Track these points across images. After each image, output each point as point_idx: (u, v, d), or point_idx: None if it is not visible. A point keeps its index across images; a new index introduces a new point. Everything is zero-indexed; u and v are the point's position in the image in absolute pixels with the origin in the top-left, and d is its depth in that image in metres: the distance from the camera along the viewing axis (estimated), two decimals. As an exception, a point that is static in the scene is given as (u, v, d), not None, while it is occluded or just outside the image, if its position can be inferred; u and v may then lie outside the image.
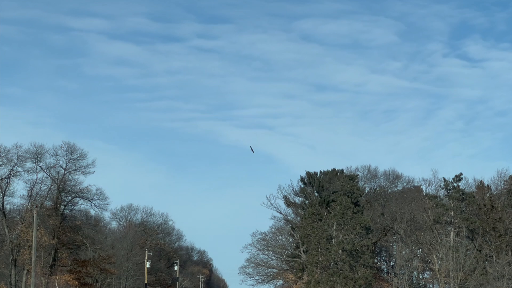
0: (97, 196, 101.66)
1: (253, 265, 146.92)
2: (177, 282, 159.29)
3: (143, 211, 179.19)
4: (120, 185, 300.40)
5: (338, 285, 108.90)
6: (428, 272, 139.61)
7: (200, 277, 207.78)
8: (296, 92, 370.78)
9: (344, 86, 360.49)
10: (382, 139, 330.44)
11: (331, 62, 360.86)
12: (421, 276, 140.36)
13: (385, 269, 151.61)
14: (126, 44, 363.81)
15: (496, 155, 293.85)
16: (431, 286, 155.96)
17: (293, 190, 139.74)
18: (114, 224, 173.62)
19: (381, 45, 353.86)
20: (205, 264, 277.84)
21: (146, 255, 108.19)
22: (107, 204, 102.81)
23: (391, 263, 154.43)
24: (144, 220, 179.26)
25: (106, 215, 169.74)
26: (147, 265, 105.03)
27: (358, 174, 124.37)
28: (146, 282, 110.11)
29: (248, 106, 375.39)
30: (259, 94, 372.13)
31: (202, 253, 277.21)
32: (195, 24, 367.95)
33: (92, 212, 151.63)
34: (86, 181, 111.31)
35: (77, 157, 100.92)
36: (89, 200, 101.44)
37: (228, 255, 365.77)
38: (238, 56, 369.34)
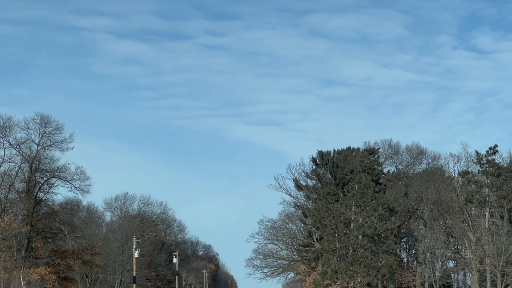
0: (77, 176, 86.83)
1: (261, 256, 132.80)
2: (177, 276, 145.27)
3: (140, 200, 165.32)
4: (129, 183, 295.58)
5: (359, 275, 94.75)
6: (453, 262, 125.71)
7: (205, 271, 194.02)
8: (304, 88, 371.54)
9: (353, 81, 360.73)
10: (392, 133, 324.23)
11: (339, 56, 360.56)
12: (445, 265, 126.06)
13: (405, 258, 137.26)
14: (134, 43, 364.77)
15: (505, 148, 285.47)
16: (456, 277, 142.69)
17: (304, 172, 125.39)
18: (108, 215, 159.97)
19: (389, 39, 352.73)
20: (210, 259, 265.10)
21: (135, 243, 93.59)
22: (89, 185, 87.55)
23: (413, 251, 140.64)
24: (142, 210, 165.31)
25: (100, 205, 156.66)
26: (136, 254, 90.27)
27: (379, 148, 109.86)
28: (134, 274, 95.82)
29: (256, 103, 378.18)
30: (267, 90, 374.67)
31: (207, 248, 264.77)
32: (202, 21, 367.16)
33: (84, 202, 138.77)
34: (64, 158, 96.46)
35: (52, 130, 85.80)
36: (68, 181, 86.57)
37: (237, 253, 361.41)
38: (246, 52, 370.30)
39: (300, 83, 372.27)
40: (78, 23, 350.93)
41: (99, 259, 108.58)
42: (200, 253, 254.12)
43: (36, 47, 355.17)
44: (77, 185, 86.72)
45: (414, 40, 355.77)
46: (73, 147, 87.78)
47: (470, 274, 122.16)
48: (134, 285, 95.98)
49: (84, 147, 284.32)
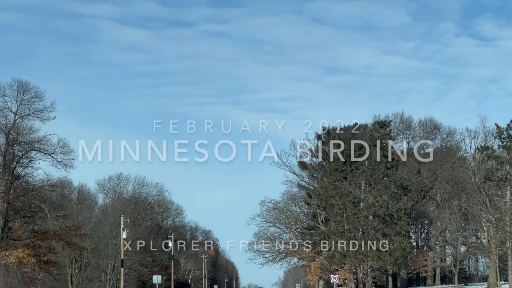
0: (60, 149, 78.37)
1: (263, 240, 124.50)
2: (172, 261, 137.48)
3: (135, 181, 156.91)
4: (129, 171, 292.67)
5: (369, 258, 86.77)
6: (465, 247, 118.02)
7: (203, 257, 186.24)
8: (307, 75, 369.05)
9: (356, 68, 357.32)
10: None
11: (342, 44, 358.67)
12: (460, 250, 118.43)
13: (415, 242, 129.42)
14: (137, 30, 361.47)
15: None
16: (469, 262, 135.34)
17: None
18: (100, 197, 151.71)
19: (393, 26, 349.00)
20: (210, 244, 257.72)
21: (122, 223, 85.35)
22: (73, 159, 78.80)
23: (423, 234, 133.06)
24: (136, 192, 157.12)
25: (92, 187, 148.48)
26: (124, 235, 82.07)
27: (391, 121, 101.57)
28: (122, 257, 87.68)
29: (259, 90, 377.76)
30: (270, 77, 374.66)
31: (207, 233, 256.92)
32: (205, 8, 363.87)
33: (75, 183, 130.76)
34: (44, 129, 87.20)
35: (31, 98, 77.21)
36: (49, 154, 78.34)
37: (238, 240, 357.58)
38: (249, 40, 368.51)
39: (303, 71, 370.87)
40: (80, 9, 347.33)
41: (90, 242, 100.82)
42: (200, 238, 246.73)
43: (38, 34, 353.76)
44: (59, 159, 78.13)
45: (418, 27, 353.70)
46: (55, 117, 79.36)
47: (487, 259, 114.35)
48: (122, 269, 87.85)
49: (85, 134, 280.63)
